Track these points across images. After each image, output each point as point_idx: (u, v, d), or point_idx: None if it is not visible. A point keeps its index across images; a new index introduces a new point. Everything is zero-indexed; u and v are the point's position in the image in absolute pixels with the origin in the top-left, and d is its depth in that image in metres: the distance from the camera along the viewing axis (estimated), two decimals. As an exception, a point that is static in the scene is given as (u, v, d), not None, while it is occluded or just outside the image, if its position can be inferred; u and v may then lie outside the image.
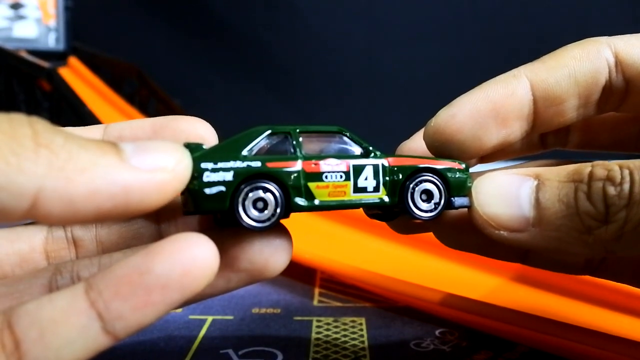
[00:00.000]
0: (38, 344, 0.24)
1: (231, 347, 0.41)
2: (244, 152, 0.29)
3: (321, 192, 0.29)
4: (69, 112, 0.88)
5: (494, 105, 0.32)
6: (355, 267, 0.50)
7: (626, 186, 0.26)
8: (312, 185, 0.29)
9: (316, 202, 0.29)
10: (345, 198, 0.30)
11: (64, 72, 0.92)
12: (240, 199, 0.28)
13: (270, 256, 0.30)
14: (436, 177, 0.31)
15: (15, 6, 0.99)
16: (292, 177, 0.29)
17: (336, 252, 0.54)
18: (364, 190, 0.30)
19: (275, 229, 0.30)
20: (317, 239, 0.57)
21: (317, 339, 0.43)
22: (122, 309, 0.25)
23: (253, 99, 1.14)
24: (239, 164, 0.28)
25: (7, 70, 0.95)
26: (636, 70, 0.32)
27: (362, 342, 0.42)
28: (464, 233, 0.33)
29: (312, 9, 1.12)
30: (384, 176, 0.30)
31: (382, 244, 0.57)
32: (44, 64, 0.92)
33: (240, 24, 1.14)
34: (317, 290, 0.52)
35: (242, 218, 0.28)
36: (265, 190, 0.29)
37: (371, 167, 0.30)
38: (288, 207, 0.29)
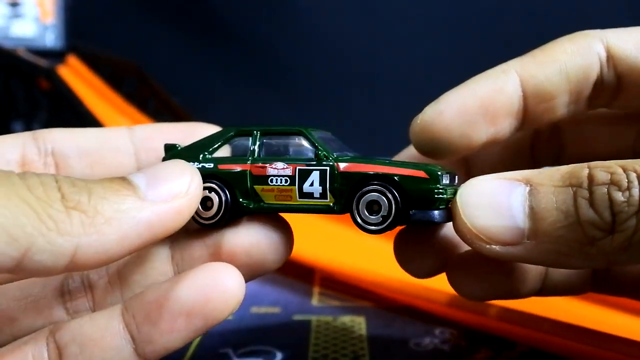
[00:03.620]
0: (77, 359, 0.27)
1: (230, 347, 0.41)
2: (207, 153, 0.31)
3: (267, 195, 0.30)
4: (67, 110, 0.88)
5: (483, 102, 0.30)
6: (355, 266, 0.50)
7: (635, 191, 0.24)
8: (258, 188, 0.30)
9: (263, 204, 0.30)
10: (292, 202, 0.30)
11: (63, 70, 0.92)
12: None
13: (267, 248, 0.30)
14: (387, 186, 0.28)
15: (13, 4, 0.98)
16: (239, 179, 0.30)
17: (336, 252, 0.54)
18: (310, 196, 0.29)
19: (275, 223, 0.31)
20: (317, 238, 0.57)
21: (317, 338, 0.43)
22: (151, 333, 0.27)
23: (253, 97, 1.13)
24: (195, 165, 0.30)
25: (6, 69, 0.95)
26: (628, 65, 0.30)
27: (362, 341, 0.42)
28: (481, 281, 0.31)
29: (313, 7, 1.12)
30: (332, 182, 0.29)
31: (382, 243, 0.56)
32: (43, 62, 0.92)
33: (240, 22, 1.14)
34: (316, 290, 0.52)
35: (193, 214, 0.30)
36: (211, 190, 0.30)
37: (318, 172, 0.29)
38: (236, 208, 0.30)
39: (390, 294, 0.49)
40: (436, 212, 0.28)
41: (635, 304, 0.43)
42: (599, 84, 0.31)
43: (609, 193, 0.24)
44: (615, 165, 0.25)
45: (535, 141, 0.36)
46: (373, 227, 0.29)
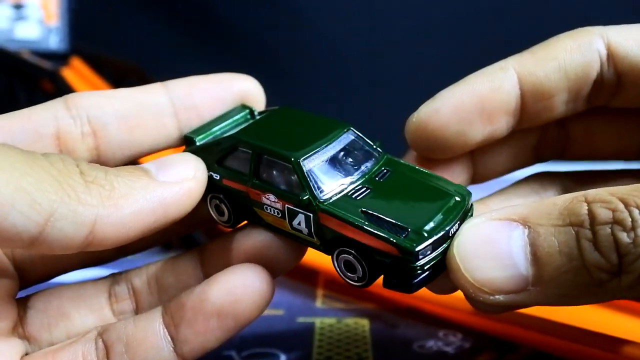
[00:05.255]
0: (123, 358, 0.28)
1: (234, 349, 0.41)
2: (215, 162, 0.31)
3: (266, 217, 0.30)
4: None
5: (480, 100, 0.30)
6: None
7: None
8: (257, 209, 0.30)
9: (263, 222, 0.31)
10: (286, 229, 0.30)
11: (66, 72, 0.92)
12: (208, 201, 0.32)
13: (278, 249, 0.31)
14: (359, 252, 0.27)
15: (17, 7, 0.99)
16: (240, 198, 0.31)
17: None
18: (300, 231, 0.29)
19: None
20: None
21: (321, 340, 0.43)
22: (188, 334, 0.28)
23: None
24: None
25: (9, 71, 0.95)
26: (629, 63, 0.30)
27: (365, 343, 0.42)
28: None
29: (315, 7, 1.12)
30: (315, 226, 0.28)
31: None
32: (46, 64, 0.92)
33: (243, 24, 1.14)
34: (320, 292, 0.52)
35: (212, 216, 0.32)
36: (221, 200, 0.32)
37: (303, 215, 0.29)
38: (242, 218, 0.32)
39: (394, 296, 0.49)
40: (415, 282, 0.26)
41: (638, 306, 0.43)
42: (599, 81, 0.30)
43: (613, 234, 0.23)
44: (615, 199, 0.23)
45: (540, 138, 0.35)
46: (353, 282, 0.29)
